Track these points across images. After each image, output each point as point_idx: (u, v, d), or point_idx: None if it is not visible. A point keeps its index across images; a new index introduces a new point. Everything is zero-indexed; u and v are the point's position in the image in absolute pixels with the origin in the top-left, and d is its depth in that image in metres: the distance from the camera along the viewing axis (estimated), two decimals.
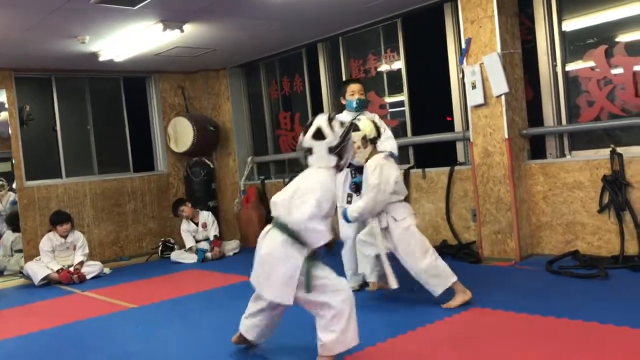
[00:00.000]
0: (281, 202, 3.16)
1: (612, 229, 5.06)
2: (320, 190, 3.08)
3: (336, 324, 3.08)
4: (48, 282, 6.57)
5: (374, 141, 4.26)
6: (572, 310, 3.76)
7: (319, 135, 3.12)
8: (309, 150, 3.15)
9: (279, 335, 3.64)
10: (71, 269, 6.67)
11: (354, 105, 4.79)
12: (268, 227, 3.23)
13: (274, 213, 3.20)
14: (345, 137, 3.14)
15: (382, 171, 4.06)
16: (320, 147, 3.12)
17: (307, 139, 3.15)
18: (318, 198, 3.05)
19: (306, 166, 3.23)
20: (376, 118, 4.66)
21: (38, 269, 6.62)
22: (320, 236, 3.08)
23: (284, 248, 3.10)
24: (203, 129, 8.35)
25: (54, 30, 5.84)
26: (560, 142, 5.65)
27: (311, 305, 3.17)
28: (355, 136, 4.11)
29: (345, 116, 4.68)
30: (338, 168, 3.19)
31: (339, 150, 3.13)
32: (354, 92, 4.78)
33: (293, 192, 3.13)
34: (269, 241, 3.17)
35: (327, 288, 3.12)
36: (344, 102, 4.89)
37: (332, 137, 3.12)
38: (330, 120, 3.15)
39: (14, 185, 7.71)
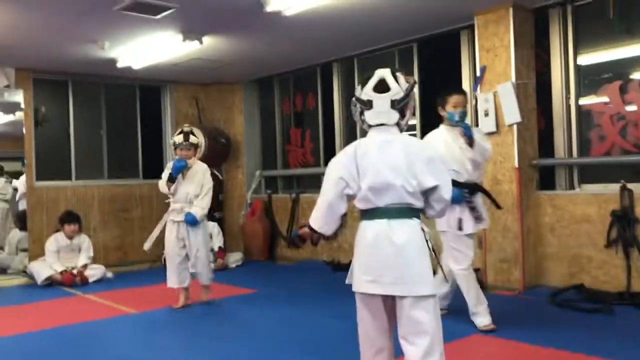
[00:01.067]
0: (397, 186, 2.58)
1: (619, 264, 5.03)
2: (440, 154, 2.77)
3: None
4: (50, 282, 6.60)
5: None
6: (574, 344, 3.74)
7: (381, 87, 2.68)
8: (368, 104, 2.69)
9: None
10: (74, 271, 6.69)
11: (456, 118, 4.21)
12: (377, 227, 2.61)
13: (383, 202, 2.61)
14: (410, 90, 2.71)
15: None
16: (382, 101, 2.66)
17: (367, 91, 2.69)
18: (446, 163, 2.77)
19: (360, 123, 2.77)
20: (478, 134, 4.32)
21: (41, 269, 6.65)
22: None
23: (419, 233, 2.62)
24: (214, 141, 8.40)
25: (75, 34, 5.93)
26: (570, 174, 5.65)
27: (410, 325, 2.59)
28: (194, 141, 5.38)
29: (443, 130, 4.32)
30: (399, 127, 2.72)
31: (402, 105, 2.67)
32: (456, 105, 4.23)
33: (406, 168, 2.59)
34: (399, 232, 2.59)
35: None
36: (443, 113, 4.32)
37: (398, 89, 2.67)
38: (394, 72, 2.73)
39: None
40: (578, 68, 5.62)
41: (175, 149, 5.40)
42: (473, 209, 4.25)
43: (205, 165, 5.51)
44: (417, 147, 2.69)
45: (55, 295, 6.12)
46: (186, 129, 5.44)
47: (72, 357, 3.90)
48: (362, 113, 2.72)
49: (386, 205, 2.61)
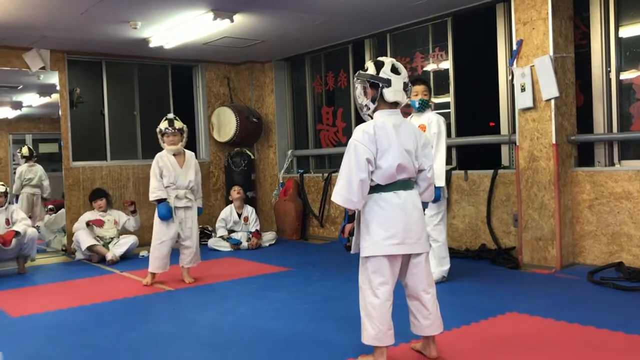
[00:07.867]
0: (412, 164, 3.07)
1: None
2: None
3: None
4: (89, 259, 6.77)
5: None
6: (613, 322, 3.65)
7: (395, 69, 3.07)
8: (388, 82, 3.02)
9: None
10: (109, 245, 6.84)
11: (417, 105, 4.98)
12: (403, 196, 3.04)
13: (401, 177, 3.03)
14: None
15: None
16: (397, 81, 3.05)
17: (385, 71, 3.04)
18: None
19: (380, 98, 3.04)
20: (438, 120, 4.96)
21: (85, 238, 6.81)
22: None
23: (419, 202, 3.16)
24: (246, 120, 8.42)
25: (108, 15, 5.97)
26: (610, 150, 5.49)
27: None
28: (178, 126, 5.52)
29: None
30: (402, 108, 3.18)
31: (407, 89, 3.10)
32: (417, 93, 4.96)
33: (414, 150, 3.07)
34: (415, 199, 3.10)
35: None
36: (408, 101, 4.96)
37: (406, 74, 3.11)
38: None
39: None
40: (619, 40, 5.43)
41: (162, 136, 5.53)
42: None
43: (192, 152, 5.73)
44: (419, 132, 3.18)
45: (94, 273, 6.26)
46: (170, 115, 5.60)
47: (111, 332, 3.98)
48: (382, 88, 3.01)
49: (402, 179, 3.05)
